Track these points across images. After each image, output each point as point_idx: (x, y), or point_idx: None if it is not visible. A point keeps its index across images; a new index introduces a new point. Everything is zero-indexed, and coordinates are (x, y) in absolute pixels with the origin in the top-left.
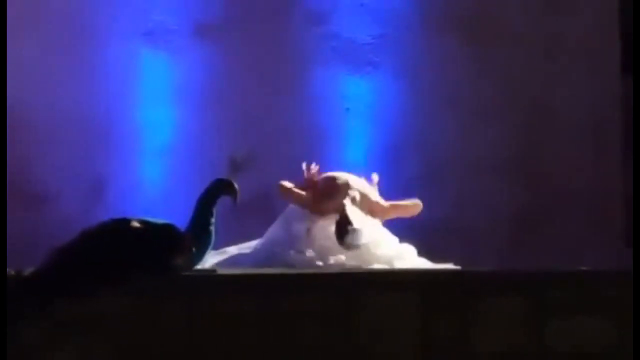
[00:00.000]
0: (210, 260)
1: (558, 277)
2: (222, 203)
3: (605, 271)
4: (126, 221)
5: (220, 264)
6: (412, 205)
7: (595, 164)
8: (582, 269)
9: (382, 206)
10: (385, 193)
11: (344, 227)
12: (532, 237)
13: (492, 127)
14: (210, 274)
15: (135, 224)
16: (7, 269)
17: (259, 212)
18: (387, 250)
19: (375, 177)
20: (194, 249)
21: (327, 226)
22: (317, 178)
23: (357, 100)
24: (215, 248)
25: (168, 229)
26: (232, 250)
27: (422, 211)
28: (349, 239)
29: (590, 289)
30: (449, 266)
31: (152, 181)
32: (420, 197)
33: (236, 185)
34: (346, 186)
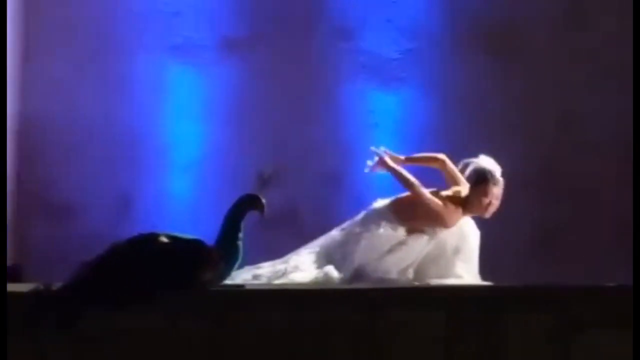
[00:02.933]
0: (243, 275)
1: (584, 292)
2: (250, 218)
3: (631, 287)
4: (154, 236)
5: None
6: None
7: (621, 180)
8: (608, 285)
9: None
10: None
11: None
12: (558, 253)
13: (519, 142)
14: (238, 289)
15: (164, 239)
16: (37, 284)
17: (287, 227)
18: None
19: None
20: (222, 264)
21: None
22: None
23: (384, 115)
24: (243, 263)
25: (196, 244)
26: (266, 265)
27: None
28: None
29: (616, 305)
30: (475, 282)
31: (179, 196)
32: None
33: (264, 200)
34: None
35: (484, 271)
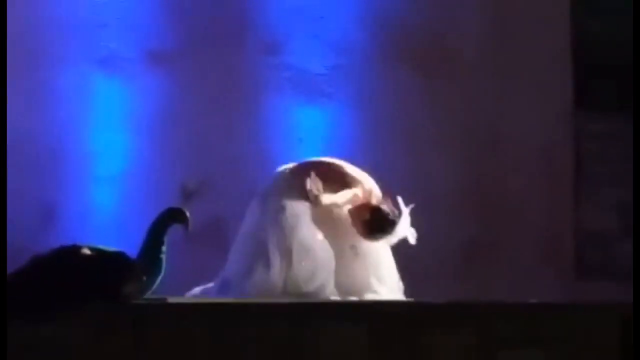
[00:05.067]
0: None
1: (507, 309)
2: (174, 231)
3: (555, 304)
4: (76, 248)
5: None
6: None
7: (546, 196)
8: (532, 302)
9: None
10: None
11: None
12: (483, 269)
13: (444, 158)
14: (160, 302)
15: (86, 251)
16: None
17: (211, 241)
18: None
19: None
20: (144, 277)
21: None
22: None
23: (310, 131)
24: (165, 277)
25: (118, 256)
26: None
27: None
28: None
29: (540, 322)
30: (397, 297)
31: (103, 208)
32: None
33: (187, 214)
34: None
35: (408, 288)
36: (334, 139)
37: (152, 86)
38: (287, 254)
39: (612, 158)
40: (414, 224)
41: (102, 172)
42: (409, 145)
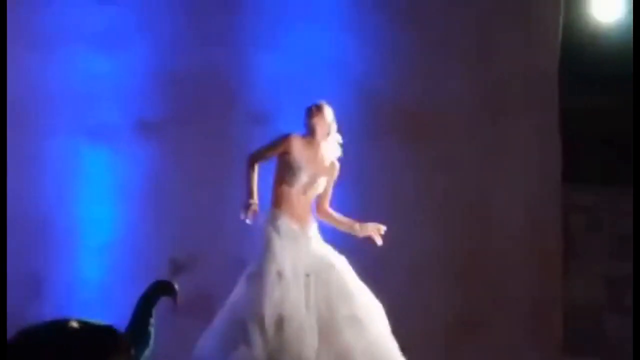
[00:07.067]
0: None
1: None
2: (162, 304)
3: None
4: (65, 322)
5: None
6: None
7: (535, 270)
8: None
9: None
10: None
11: None
12: (470, 343)
13: (431, 231)
14: None
15: (74, 325)
16: None
17: (199, 313)
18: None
19: None
20: (132, 351)
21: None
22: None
23: None
24: (153, 349)
25: (106, 330)
26: None
27: None
28: None
29: None
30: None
31: (91, 279)
32: None
33: (176, 287)
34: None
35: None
36: None
37: (140, 156)
38: (262, 324)
39: (601, 231)
40: (402, 294)
41: (90, 243)
42: (398, 218)
